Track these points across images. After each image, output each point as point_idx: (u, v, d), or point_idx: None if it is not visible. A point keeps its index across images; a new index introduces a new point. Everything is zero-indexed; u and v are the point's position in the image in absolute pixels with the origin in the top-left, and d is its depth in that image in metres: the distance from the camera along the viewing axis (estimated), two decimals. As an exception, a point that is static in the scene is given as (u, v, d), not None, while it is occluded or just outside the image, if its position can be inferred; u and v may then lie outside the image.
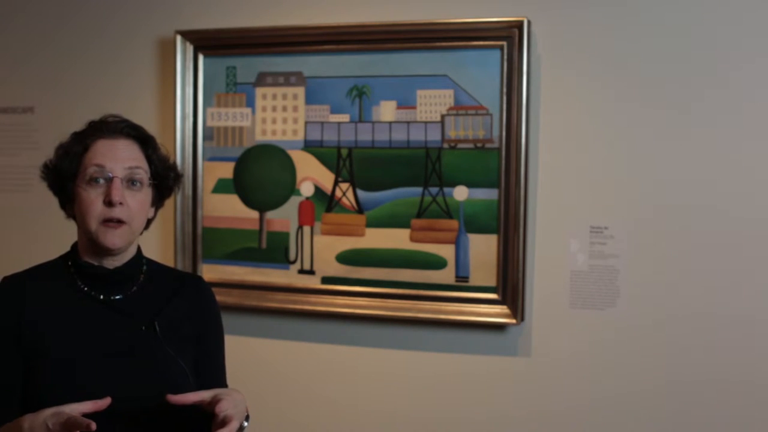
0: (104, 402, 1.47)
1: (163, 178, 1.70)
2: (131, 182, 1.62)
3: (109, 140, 1.63)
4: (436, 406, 2.57)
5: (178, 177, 1.75)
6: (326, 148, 2.61)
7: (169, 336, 1.65)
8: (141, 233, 1.70)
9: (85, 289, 1.64)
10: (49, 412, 1.44)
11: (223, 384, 1.77)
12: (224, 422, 1.49)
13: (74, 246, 1.69)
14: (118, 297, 1.65)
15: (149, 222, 1.72)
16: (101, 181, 1.60)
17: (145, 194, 1.65)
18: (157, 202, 1.72)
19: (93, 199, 1.59)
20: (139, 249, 1.71)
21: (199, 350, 1.71)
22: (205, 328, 1.74)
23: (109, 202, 1.58)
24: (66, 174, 1.63)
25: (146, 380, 1.59)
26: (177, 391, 1.56)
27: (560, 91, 2.43)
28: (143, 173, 1.64)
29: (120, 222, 1.60)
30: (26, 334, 1.58)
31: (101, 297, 1.64)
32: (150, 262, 1.75)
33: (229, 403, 1.51)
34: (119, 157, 1.61)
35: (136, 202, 1.62)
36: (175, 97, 2.70)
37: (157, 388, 1.58)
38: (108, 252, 1.63)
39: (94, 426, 1.39)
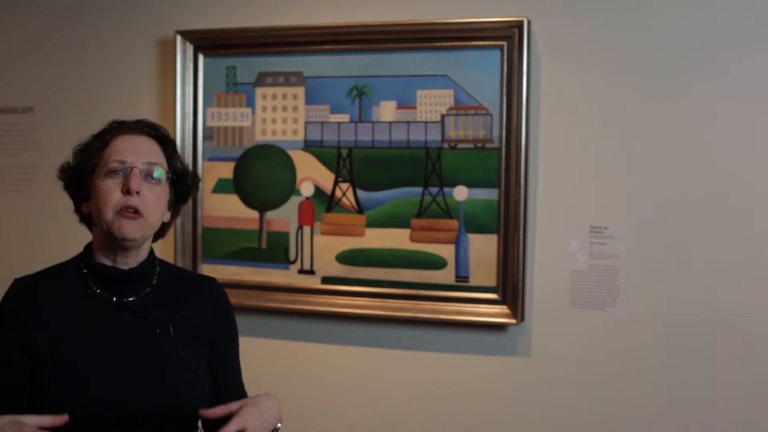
0: (62, 418, 1.46)
1: (182, 177, 1.70)
2: (150, 176, 1.61)
3: (129, 136, 1.64)
4: (436, 406, 2.57)
5: (196, 180, 1.75)
6: (326, 148, 2.61)
7: (183, 338, 1.63)
8: (155, 240, 1.70)
9: (98, 291, 1.62)
10: (7, 419, 1.43)
11: (239, 386, 1.77)
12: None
13: (87, 247, 1.67)
14: (131, 299, 1.64)
15: (165, 228, 1.71)
16: (120, 173, 1.59)
17: (163, 190, 1.64)
18: (174, 206, 1.71)
19: (111, 188, 1.58)
20: (152, 251, 1.70)
21: (214, 352, 1.70)
22: (219, 330, 1.73)
23: (127, 191, 1.57)
24: (84, 169, 1.62)
25: (159, 383, 1.58)
26: (189, 393, 1.58)
27: (560, 91, 2.43)
28: (162, 168, 1.63)
29: (136, 212, 1.58)
30: (37, 335, 1.57)
31: (114, 299, 1.63)
32: (163, 263, 1.74)
33: (254, 421, 1.51)
34: (139, 152, 1.61)
35: (153, 196, 1.61)
36: (175, 97, 2.70)
37: (170, 391, 1.58)
38: (122, 245, 1.61)
39: None
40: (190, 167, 2.67)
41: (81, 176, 1.63)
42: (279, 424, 1.60)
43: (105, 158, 1.61)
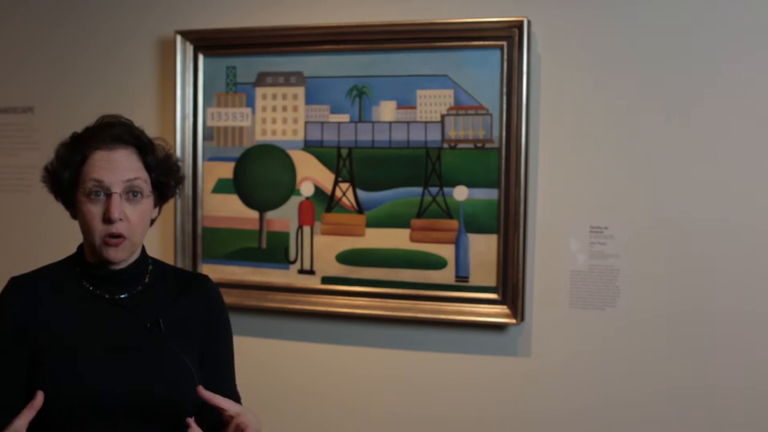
0: (38, 401, 1.49)
1: (164, 185, 1.70)
2: (131, 193, 1.62)
3: (106, 152, 1.62)
4: (436, 406, 2.57)
5: (178, 181, 1.75)
6: (326, 148, 2.61)
7: (174, 334, 1.65)
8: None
9: (91, 288, 1.66)
10: None
11: (231, 383, 1.78)
12: (239, 428, 1.52)
13: (80, 247, 1.70)
14: (123, 296, 1.66)
15: (152, 221, 1.72)
16: (100, 194, 1.60)
17: (146, 204, 1.65)
18: (160, 202, 1.72)
19: (94, 214, 1.60)
20: (143, 249, 1.72)
21: (206, 349, 1.72)
22: (210, 326, 1.74)
23: (108, 219, 1.58)
24: (65, 182, 1.64)
25: (150, 377, 1.60)
26: (181, 386, 1.59)
27: (560, 91, 2.43)
28: (142, 183, 1.63)
29: (121, 237, 1.60)
30: (32, 333, 1.60)
31: (106, 296, 1.65)
32: (156, 261, 1.76)
33: (249, 419, 1.54)
34: (117, 169, 1.61)
35: (136, 214, 1.62)
36: (175, 97, 2.70)
37: (161, 385, 1.60)
38: (111, 264, 1.64)
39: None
40: (190, 167, 2.69)
41: (63, 187, 1.65)
42: None
43: (84, 176, 1.61)
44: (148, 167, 1.66)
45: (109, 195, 1.59)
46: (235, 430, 1.53)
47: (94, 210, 1.59)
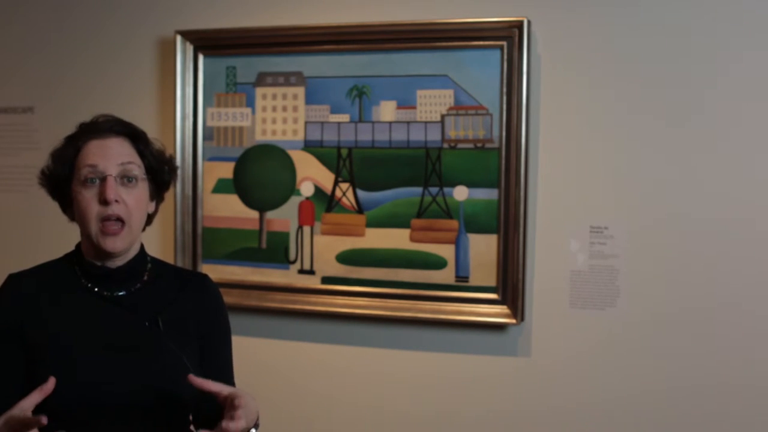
0: (49, 385, 1.47)
1: (158, 172, 1.70)
2: (126, 179, 1.62)
3: (99, 140, 1.63)
4: (436, 406, 2.57)
5: (173, 170, 1.75)
6: (326, 148, 2.61)
7: (173, 332, 1.65)
8: (144, 229, 1.71)
9: (89, 285, 1.66)
10: (1, 420, 1.44)
11: (230, 382, 1.77)
12: (233, 407, 1.50)
13: (78, 245, 1.70)
14: (121, 293, 1.66)
15: (151, 217, 1.73)
16: (95, 181, 1.60)
17: (141, 190, 1.65)
18: (156, 196, 1.73)
19: (89, 200, 1.60)
20: (142, 247, 1.72)
21: (205, 348, 1.72)
22: (210, 325, 1.75)
23: (104, 201, 1.59)
24: (61, 178, 1.64)
25: (148, 375, 1.60)
26: (178, 383, 1.58)
27: (560, 91, 2.43)
28: (136, 168, 1.64)
29: (119, 221, 1.60)
30: (30, 329, 1.60)
31: (105, 293, 1.65)
32: (155, 260, 1.76)
33: (244, 400, 1.52)
34: (111, 155, 1.62)
35: (132, 199, 1.62)
36: (175, 97, 2.70)
37: (159, 383, 1.60)
38: (110, 256, 1.64)
39: (44, 420, 1.38)
40: (190, 167, 2.70)
41: (59, 183, 1.65)
42: (254, 431, 1.60)
43: (78, 166, 1.62)
44: (141, 154, 1.67)
45: (103, 179, 1.60)
46: (231, 405, 1.50)
47: (89, 195, 1.60)
